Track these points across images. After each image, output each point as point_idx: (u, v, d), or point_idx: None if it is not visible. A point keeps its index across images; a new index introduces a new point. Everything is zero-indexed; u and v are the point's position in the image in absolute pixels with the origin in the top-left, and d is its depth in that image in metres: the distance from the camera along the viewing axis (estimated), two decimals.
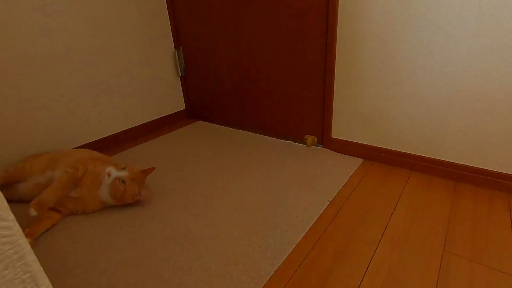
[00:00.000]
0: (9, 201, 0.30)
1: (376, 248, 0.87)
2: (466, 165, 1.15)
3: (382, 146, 1.32)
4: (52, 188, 0.98)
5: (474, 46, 1.00)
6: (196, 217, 1.04)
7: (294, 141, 1.60)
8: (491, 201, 1.05)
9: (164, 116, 1.94)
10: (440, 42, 1.05)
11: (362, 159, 1.38)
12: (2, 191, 0.29)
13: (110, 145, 1.67)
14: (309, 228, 0.97)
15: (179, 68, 1.93)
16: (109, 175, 1.03)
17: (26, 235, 0.90)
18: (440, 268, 0.80)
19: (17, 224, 0.30)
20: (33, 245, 0.93)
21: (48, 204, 0.96)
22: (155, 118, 1.89)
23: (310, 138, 1.51)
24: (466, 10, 0.98)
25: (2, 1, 1.18)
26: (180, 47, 1.89)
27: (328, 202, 1.09)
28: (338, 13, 1.22)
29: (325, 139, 1.48)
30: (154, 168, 1.14)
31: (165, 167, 1.41)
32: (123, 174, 1.04)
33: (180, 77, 1.98)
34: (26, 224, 0.99)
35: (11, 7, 1.20)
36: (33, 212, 0.91)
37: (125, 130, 1.73)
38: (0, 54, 1.20)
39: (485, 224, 0.94)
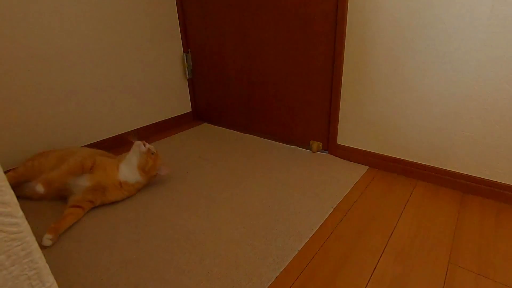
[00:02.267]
0: (18, 197, 0.31)
1: (380, 257, 0.86)
2: (473, 176, 1.13)
3: (388, 154, 1.31)
4: (60, 170, 1.04)
5: (484, 56, 0.99)
6: (199, 219, 1.04)
7: (299, 147, 1.60)
8: (499, 213, 1.03)
9: (171, 118, 1.96)
10: (450, 51, 1.05)
11: (367, 167, 1.37)
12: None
13: (116, 145, 1.68)
14: (312, 234, 0.96)
15: (187, 71, 1.94)
16: (144, 145, 1.14)
17: (50, 231, 0.94)
18: (445, 280, 0.78)
19: (25, 221, 0.30)
20: (57, 241, 0.96)
21: (55, 184, 1.02)
22: (162, 119, 1.91)
23: (315, 144, 1.51)
24: (476, 20, 0.97)
25: (17, 3, 1.21)
26: (189, 50, 1.91)
27: (332, 209, 1.08)
28: (347, 20, 1.22)
29: (331, 145, 1.47)
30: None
31: (170, 168, 1.41)
32: (153, 148, 1.17)
33: (188, 79, 1.99)
34: (50, 220, 1.00)
35: (26, 8, 1.23)
36: (40, 187, 0.97)
37: (132, 130, 1.75)
38: (13, 53, 1.23)
39: (492, 236, 0.93)
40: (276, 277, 0.81)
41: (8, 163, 1.29)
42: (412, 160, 1.26)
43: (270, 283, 0.79)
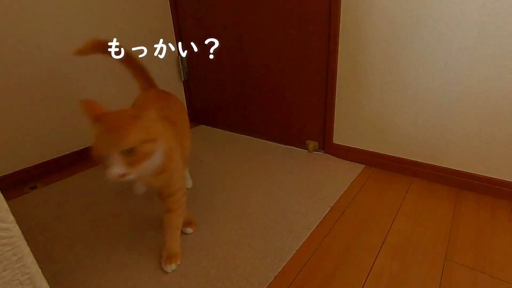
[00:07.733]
0: None
1: (377, 255, 0.87)
2: (468, 173, 1.14)
3: (384, 152, 1.32)
4: None
5: (477, 54, 1.00)
6: (196, 221, 1.04)
7: (295, 147, 1.60)
8: (494, 209, 1.04)
9: None
10: (443, 49, 1.05)
11: (363, 165, 1.37)
12: None
13: None
14: (309, 234, 0.96)
15: (182, 73, 1.94)
16: None
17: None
18: (442, 276, 0.79)
19: (16, 226, 0.30)
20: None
21: None
22: None
23: (311, 144, 1.51)
24: (468, 18, 0.98)
25: (10, 7, 1.20)
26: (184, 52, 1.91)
27: (329, 208, 1.08)
28: (341, 20, 1.23)
29: (327, 145, 1.47)
30: None
31: None
32: None
33: (183, 81, 1.99)
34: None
35: (19, 12, 1.23)
36: None
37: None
38: (6, 57, 1.22)
39: (488, 232, 0.93)
40: (274, 277, 0.80)
41: (6, 168, 1.28)
42: (408, 158, 1.26)
43: (268, 283, 0.79)
